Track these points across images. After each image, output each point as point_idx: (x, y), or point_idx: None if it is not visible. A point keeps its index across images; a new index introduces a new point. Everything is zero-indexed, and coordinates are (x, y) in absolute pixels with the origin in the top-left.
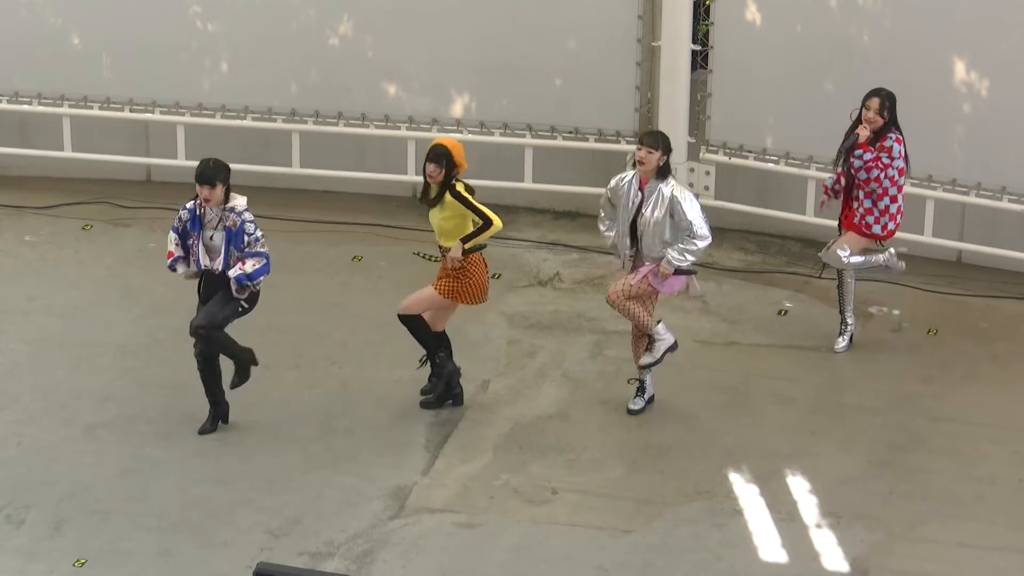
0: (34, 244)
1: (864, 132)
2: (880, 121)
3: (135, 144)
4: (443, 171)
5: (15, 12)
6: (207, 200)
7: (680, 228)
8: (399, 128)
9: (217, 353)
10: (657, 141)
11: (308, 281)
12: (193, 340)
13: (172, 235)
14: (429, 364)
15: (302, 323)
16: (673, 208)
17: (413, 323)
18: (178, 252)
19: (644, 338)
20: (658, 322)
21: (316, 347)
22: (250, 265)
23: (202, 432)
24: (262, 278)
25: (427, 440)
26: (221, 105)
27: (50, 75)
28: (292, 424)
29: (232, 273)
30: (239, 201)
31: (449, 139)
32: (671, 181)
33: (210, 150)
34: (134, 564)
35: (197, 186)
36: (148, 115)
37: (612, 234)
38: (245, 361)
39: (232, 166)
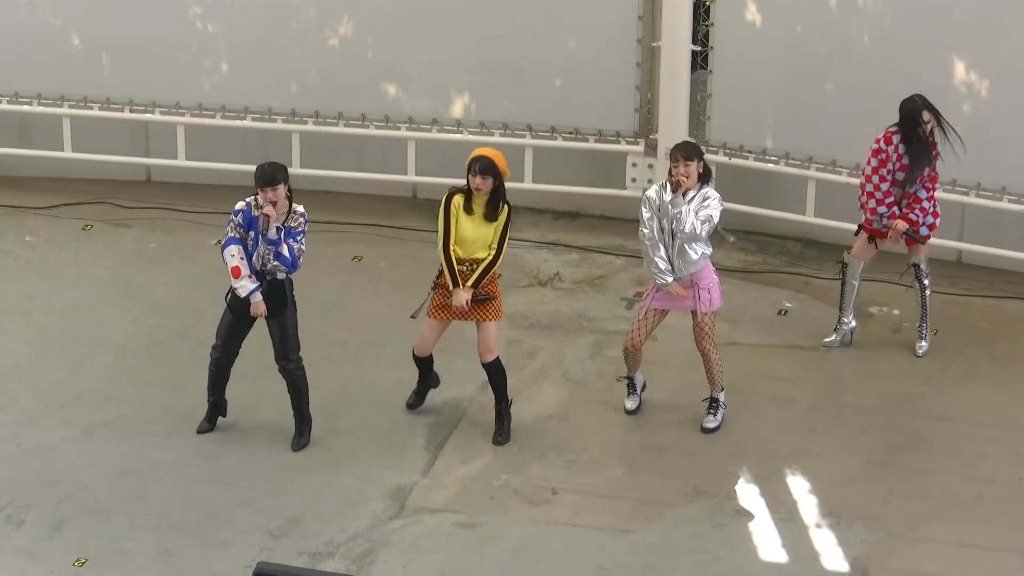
0: (34, 244)
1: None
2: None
3: (135, 144)
4: (492, 182)
5: (15, 12)
6: (273, 202)
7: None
8: (399, 128)
9: (295, 386)
10: (692, 151)
11: (308, 281)
12: (212, 345)
13: (234, 247)
14: (496, 415)
15: (302, 323)
16: (700, 207)
17: (498, 370)
18: (245, 268)
19: (640, 352)
20: (722, 389)
21: (316, 347)
22: (286, 251)
23: (201, 432)
24: (276, 263)
25: (427, 440)
26: (221, 105)
27: (50, 75)
28: (292, 424)
29: (281, 236)
30: (301, 207)
31: (490, 150)
32: (708, 189)
33: (210, 150)
34: (134, 564)
35: (260, 191)
36: (148, 115)
37: (658, 249)
38: (306, 424)
39: (232, 167)
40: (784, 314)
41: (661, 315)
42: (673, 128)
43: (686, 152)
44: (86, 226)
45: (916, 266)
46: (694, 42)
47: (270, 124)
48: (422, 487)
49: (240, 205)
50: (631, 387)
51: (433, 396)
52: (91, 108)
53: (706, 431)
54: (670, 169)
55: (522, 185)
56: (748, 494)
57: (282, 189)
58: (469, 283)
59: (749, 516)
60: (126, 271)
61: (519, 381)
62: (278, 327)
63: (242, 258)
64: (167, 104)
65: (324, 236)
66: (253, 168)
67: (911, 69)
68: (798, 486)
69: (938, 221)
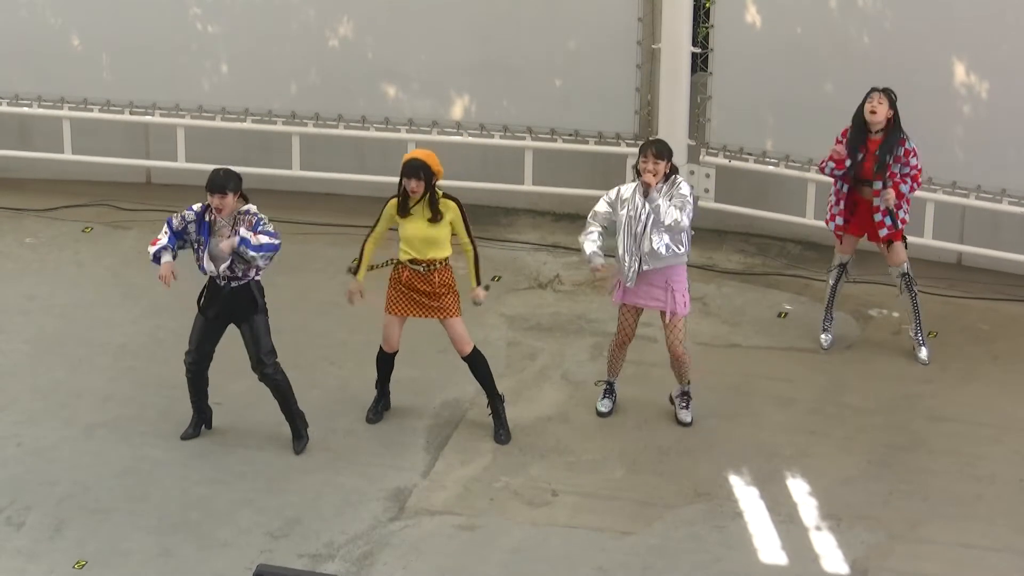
0: (34, 246)
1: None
2: (885, 114)
3: (135, 146)
4: (424, 183)
5: (15, 13)
6: (219, 209)
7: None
8: (399, 130)
9: (278, 389)
10: (663, 151)
11: (308, 281)
12: (185, 351)
13: (165, 226)
14: (492, 413)
15: (302, 323)
16: (672, 194)
17: (480, 359)
18: (165, 240)
19: (624, 353)
20: (688, 382)
21: (316, 347)
22: (262, 238)
23: (184, 438)
24: (261, 255)
25: (427, 441)
26: (221, 107)
27: (50, 77)
28: None
29: (241, 232)
30: (251, 206)
31: (421, 151)
32: (676, 179)
33: (210, 152)
34: (134, 564)
35: (208, 195)
36: (148, 117)
37: (596, 247)
38: (300, 422)
39: (232, 168)
40: (784, 316)
41: (636, 311)
42: (673, 130)
43: (657, 150)
44: (86, 228)
45: (903, 275)
46: (694, 44)
47: (270, 126)
48: (422, 488)
49: (197, 207)
50: (608, 391)
51: (433, 397)
52: (91, 110)
53: (684, 424)
54: (637, 166)
55: (522, 187)
56: (748, 495)
57: (230, 199)
58: (473, 282)
59: (749, 517)
60: (126, 272)
61: (519, 383)
62: (249, 332)
63: (166, 234)
64: (167, 106)
65: (324, 237)
66: (253, 170)
67: (911, 69)
68: (798, 487)
69: (905, 215)
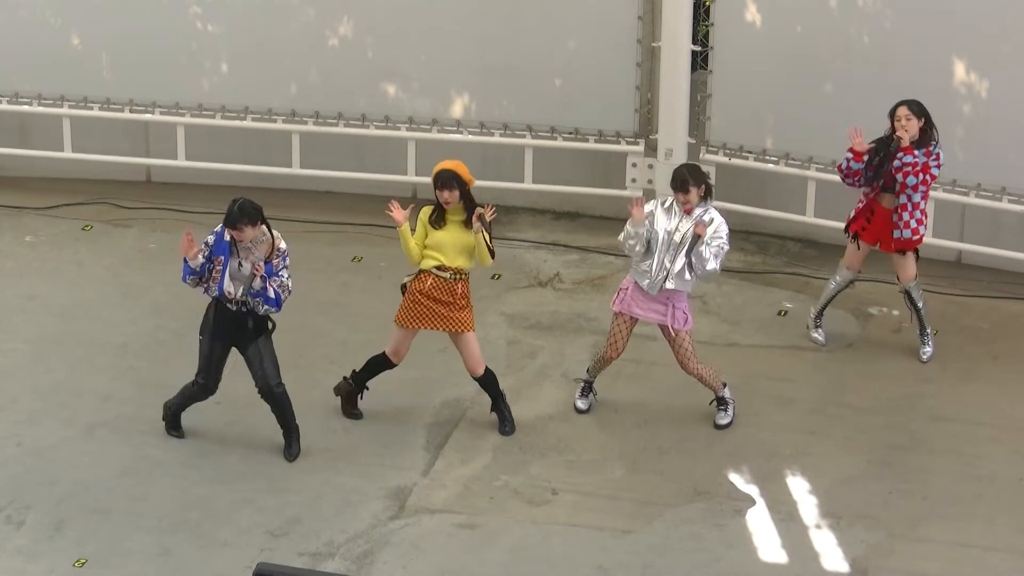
0: (34, 245)
1: (905, 135)
2: (916, 126)
3: (135, 145)
4: (458, 192)
5: (15, 12)
6: (239, 239)
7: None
8: (399, 129)
9: (280, 406)
10: (688, 181)
11: (308, 281)
12: (198, 382)
13: (203, 245)
14: (496, 410)
15: (302, 323)
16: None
17: (490, 378)
18: (199, 262)
19: (611, 362)
20: (724, 385)
21: (316, 347)
22: (270, 292)
23: (178, 437)
24: (267, 307)
25: (427, 440)
26: (221, 106)
27: (50, 76)
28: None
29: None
30: (283, 244)
31: (450, 161)
32: (711, 210)
33: (210, 151)
34: (134, 564)
35: (227, 227)
36: (148, 116)
37: (641, 252)
38: (294, 435)
39: (232, 167)
40: (784, 315)
41: (632, 322)
42: (673, 128)
43: (679, 184)
44: (86, 226)
45: (907, 292)
46: (694, 42)
47: (270, 124)
48: (422, 487)
49: (219, 228)
50: (586, 389)
51: (433, 396)
52: (91, 108)
53: (719, 427)
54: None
55: (522, 185)
56: (748, 494)
57: (248, 231)
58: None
59: (749, 516)
60: (126, 271)
61: (519, 381)
62: (257, 355)
63: (203, 256)
64: (167, 104)
65: (324, 236)
66: (253, 168)
67: (911, 69)
68: (798, 486)
69: (924, 229)
